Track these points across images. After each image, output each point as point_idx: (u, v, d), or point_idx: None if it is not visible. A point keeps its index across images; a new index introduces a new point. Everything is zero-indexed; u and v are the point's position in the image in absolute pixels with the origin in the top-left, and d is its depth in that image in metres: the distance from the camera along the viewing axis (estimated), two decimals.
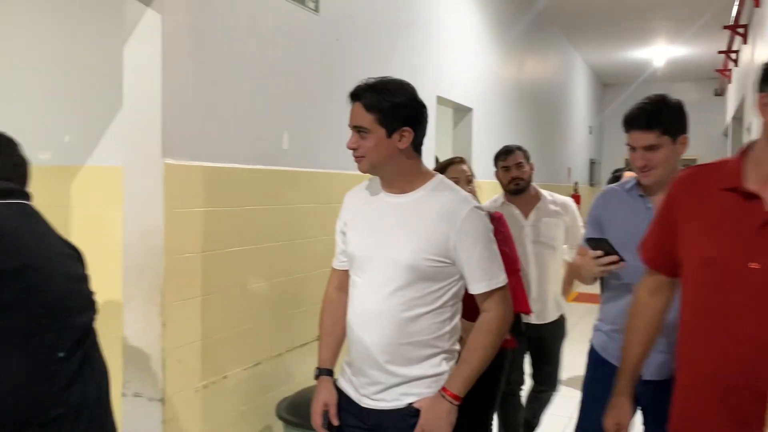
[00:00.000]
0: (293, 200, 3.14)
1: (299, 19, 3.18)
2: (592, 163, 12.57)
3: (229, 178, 2.71)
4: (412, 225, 1.82)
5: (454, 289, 1.86)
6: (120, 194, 2.49)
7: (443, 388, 1.82)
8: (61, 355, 1.64)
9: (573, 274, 2.75)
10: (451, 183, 1.92)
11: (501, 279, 1.84)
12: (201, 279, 2.59)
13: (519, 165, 3.31)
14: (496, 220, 2.62)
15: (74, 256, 1.81)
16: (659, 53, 10.06)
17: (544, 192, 3.44)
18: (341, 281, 2.03)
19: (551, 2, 7.32)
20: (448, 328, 1.86)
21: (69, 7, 2.61)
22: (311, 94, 3.29)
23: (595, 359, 2.30)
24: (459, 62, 5.34)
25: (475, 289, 1.83)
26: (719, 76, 10.66)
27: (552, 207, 3.37)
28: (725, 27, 7.42)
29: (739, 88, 8.03)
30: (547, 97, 8.73)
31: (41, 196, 1.91)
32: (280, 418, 2.81)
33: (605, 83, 13.53)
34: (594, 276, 2.19)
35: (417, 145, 1.85)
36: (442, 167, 2.68)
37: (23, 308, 1.57)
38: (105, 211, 2.47)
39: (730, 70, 9.49)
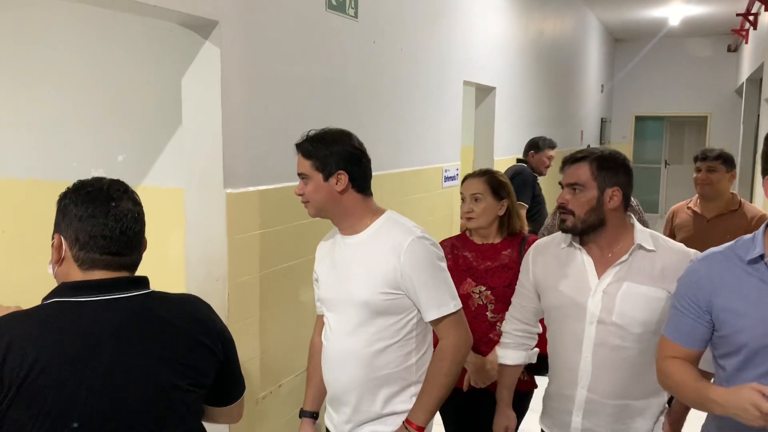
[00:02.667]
0: None
1: (341, 28, 3.18)
2: (603, 122, 12.51)
3: (281, 197, 2.77)
4: (364, 263, 1.89)
5: (414, 321, 1.91)
6: (180, 215, 2.55)
7: (407, 420, 1.89)
8: None
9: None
10: (399, 217, 1.97)
11: (451, 306, 1.88)
12: (259, 297, 2.69)
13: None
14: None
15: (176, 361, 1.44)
16: (675, 12, 9.90)
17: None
18: (321, 326, 2.10)
19: None
20: (413, 360, 1.93)
21: (130, 33, 2.55)
22: (352, 98, 3.32)
23: None
24: (483, 42, 5.30)
25: (427, 316, 1.88)
26: (734, 34, 10.51)
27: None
28: None
29: (758, 51, 7.94)
30: (562, 59, 8.65)
31: None
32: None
33: (617, 38, 13.34)
34: None
35: (361, 187, 1.92)
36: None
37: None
38: (165, 233, 2.53)
39: (747, 30, 9.36)
